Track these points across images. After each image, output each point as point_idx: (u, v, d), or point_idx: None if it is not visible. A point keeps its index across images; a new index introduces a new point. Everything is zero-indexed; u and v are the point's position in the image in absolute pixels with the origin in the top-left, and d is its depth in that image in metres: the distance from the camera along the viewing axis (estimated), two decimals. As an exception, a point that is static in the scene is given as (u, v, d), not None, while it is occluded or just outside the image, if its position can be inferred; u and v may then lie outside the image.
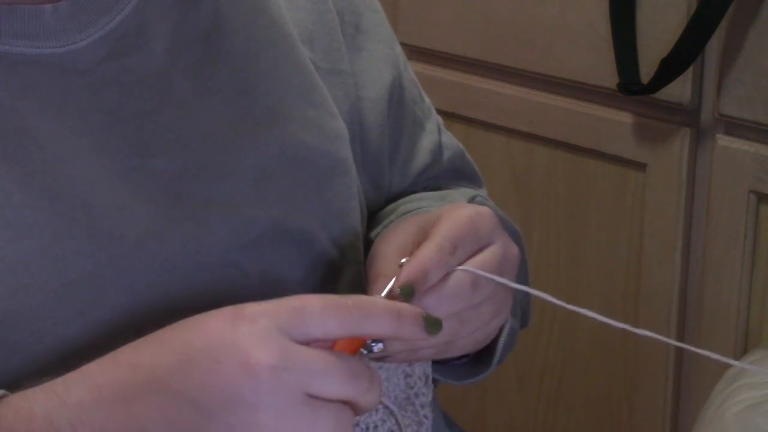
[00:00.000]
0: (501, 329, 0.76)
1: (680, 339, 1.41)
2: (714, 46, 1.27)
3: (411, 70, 0.88)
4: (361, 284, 0.77)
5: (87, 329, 0.64)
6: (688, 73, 1.29)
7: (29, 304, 0.63)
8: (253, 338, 0.55)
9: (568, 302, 0.69)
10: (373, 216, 0.83)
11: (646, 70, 1.31)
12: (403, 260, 0.66)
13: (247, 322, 0.56)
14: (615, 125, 1.39)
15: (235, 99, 0.71)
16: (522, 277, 0.77)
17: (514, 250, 0.71)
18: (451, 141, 0.90)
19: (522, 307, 0.83)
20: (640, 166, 1.38)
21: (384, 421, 0.69)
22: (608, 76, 1.35)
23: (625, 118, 1.38)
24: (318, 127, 0.75)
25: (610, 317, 0.67)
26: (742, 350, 1.34)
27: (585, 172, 1.44)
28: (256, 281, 0.70)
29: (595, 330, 1.48)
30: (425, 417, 0.72)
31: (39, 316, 0.63)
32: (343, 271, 0.75)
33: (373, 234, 0.80)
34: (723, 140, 1.30)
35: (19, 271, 0.62)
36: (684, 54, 1.26)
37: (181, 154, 0.69)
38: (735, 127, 1.30)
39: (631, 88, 1.32)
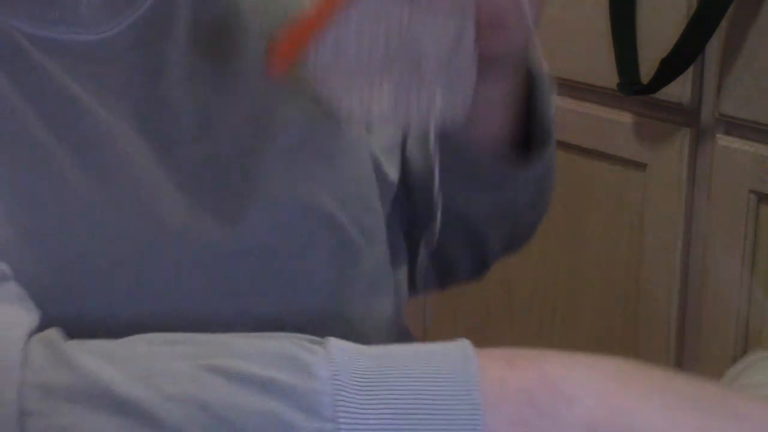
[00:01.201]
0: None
1: (680, 339, 1.41)
2: (714, 46, 1.27)
3: None
4: (385, 265, 0.77)
5: (133, 309, 0.64)
6: (688, 73, 1.29)
7: (77, 280, 0.63)
8: None
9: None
10: None
11: (646, 70, 1.31)
12: None
13: None
14: (615, 125, 1.39)
15: (254, 82, 0.72)
16: None
17: None
18: None
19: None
20: (640, 166, 1.38)
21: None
22: (608, 76, 1.35)
23: (625, 118, 1.38)
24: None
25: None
26: (742, 350, 1.34)
27: (585, 172, 1.44)
28: (288, 264, 0.70)
29: (595, 329, 1.48)
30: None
31: (86, 293, 0.63)
32: (365, 252, 0.75)
33: None
34: (723, 140, 1.30)
35: (69, 247, 0.63)
36: (684, 54, 1.26)
37: (212, 141, 0.69)
38: (735, 127, 1.30)
39: (631, 88, 1.32)
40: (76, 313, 0.62)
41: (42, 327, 0.57)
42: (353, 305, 0.74)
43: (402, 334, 0.85)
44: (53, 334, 0.55)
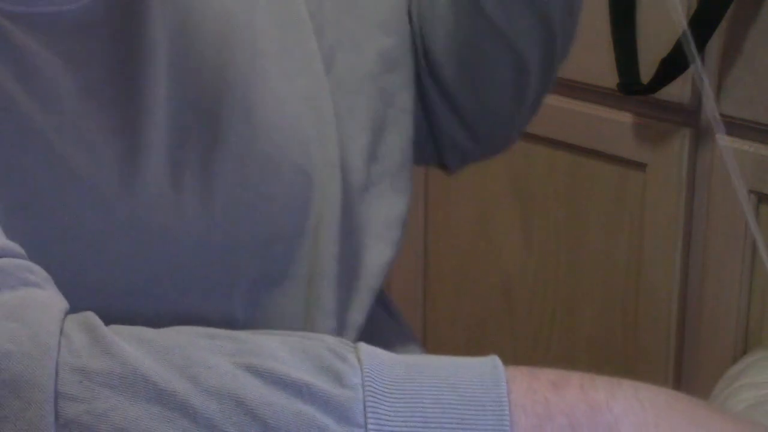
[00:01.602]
0: None
1: (680, 339, 1.41)
2: (714, 46, 1.27)
3: None
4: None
5: (128, 276, 0.65)
6: (688, 73, 1.29)
7: (71, 248, 0.63)
8: None
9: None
10: None
11: (646, 70, 1.31)
12: None
13: None
14: (615, 125, 1.39)
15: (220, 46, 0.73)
16: None
17: None
18: None
19: None
20: (640, 166, 1.38)
21: None
22: (608, 76, 1.35)
23: (625, 118, 1.38)
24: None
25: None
26: (742, 350, 1.34)
27: (585, 172, 1.44)
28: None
29: (595, 330, 1.48)
30: None
31: (80, 260, 0.63)
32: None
33: None
34: (723, 140, 1.30)
35: (60, 215, 0.63)
36: (684, 54, 1.26)
37: (185, 100, 0.70)
38: (735, 127, 1.30)
39: (631, 88, 1.32)
40: (70, 281, 0.62)
41: None
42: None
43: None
44: (92, 317, 0.54)
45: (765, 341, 1.33)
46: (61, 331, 0.53)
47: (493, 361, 0.55)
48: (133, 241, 0.66)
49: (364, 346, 0.54)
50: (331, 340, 0.55)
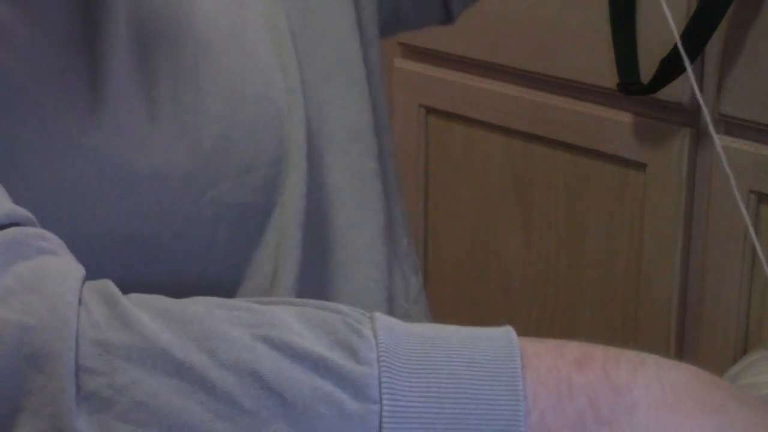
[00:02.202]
0: None
1: (680, 339, 1.41)
2: (714, 46, 1.27)
3: None
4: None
5: (123, 219, 0.65)
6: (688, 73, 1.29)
7: (66, 198, 0.63)
8: None
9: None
10: None
11: (646, 70, 1.31)
12: None
13: None
14: (615, 125, 1.39)
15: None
16: None
17: None
18: None
19: None
20: (640, 166, 1.38)
21: None
22: (608, 76, 1.35)
23: (625, 118, 1.38)
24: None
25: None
26: (742, 350, 1.34)
27: (585, 172, 1.44)
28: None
29: (595, 329, 1.48)
30: None
31: (77, 209, 0.64)
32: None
33: None
34: (723, 140, 1.30)
35: (53, 167, 0.63)
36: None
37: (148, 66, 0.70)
38: (735, 127, 1.30)
39: (631, 88, 1.32)
40: (70, 235, 0.62)
41: None
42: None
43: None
44: (110, 287, 0.55)
45: (765, 341, 1.33)
46: (80, 301, 0.53)
47: (508, 335, 0.55)
48: (127, 184, 0.66)
49: (380, 318, 0.55)
50: (348, 310, 0.55)
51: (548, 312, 1.53)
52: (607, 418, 0.53)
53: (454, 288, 1.62)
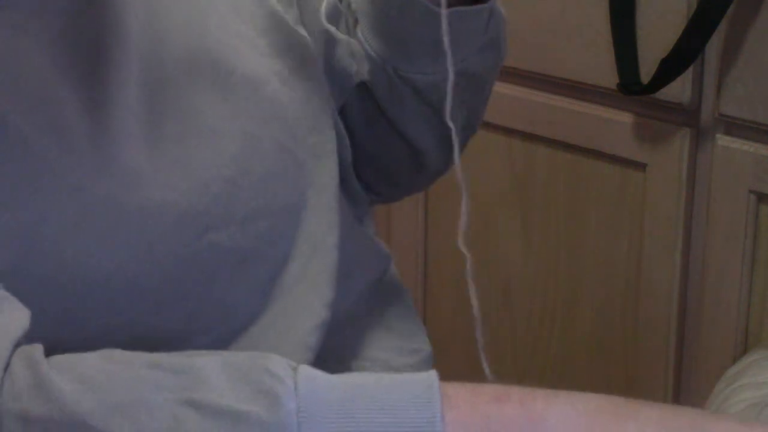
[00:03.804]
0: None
1: (680, 338, 1.41)
2: (714, 46, 1.27)
3: None
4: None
5: (107, 257, 0.65)
6: (688, 73, 1.29)
7: (49, 234, 0.63)
8: None
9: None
10: None
11: (646, 70, 1.31)
12: None
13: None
14: (615, 125, 1.39)
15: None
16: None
17: None
18: None
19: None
20: (640, 166, 1.38)
21: None
22: (608, 76, 1.35)
23: (625, 118, 1.38)
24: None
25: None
26: (742, 350, 1.34)
27: (585, 172, 1.44)
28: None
29: (595, 330, 1.48)
30: None
31: (60, 245, 0.63)
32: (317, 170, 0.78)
33: None
34: (723, 140, 1.30)
35: (36, 203, 0.63)
36: (684, 54, 1.26)
37: (154, 79, 0.70)
38: (735, 127, 1.30)
39: (631, 88, 1.32)
40: (52, 268, 0.62)
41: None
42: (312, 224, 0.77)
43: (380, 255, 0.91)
44: (36, 352, 0.56)
45: (765, 341, 1.33)
46: (7, 368, 0.55)
47: (429, 380, 0.57)
48: (113, 222, 0.65)
49: (303, 369, 0.57)
50: (275, 361, 0.57)
51: (548, 312, 1.52)
52: None
53: (453, 288, 1.61)
